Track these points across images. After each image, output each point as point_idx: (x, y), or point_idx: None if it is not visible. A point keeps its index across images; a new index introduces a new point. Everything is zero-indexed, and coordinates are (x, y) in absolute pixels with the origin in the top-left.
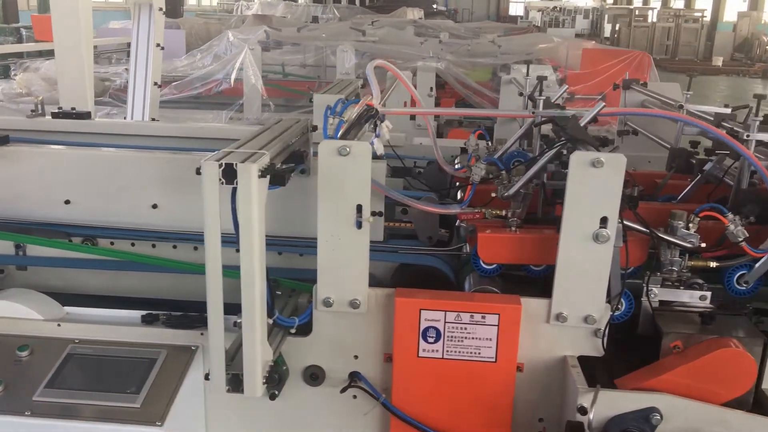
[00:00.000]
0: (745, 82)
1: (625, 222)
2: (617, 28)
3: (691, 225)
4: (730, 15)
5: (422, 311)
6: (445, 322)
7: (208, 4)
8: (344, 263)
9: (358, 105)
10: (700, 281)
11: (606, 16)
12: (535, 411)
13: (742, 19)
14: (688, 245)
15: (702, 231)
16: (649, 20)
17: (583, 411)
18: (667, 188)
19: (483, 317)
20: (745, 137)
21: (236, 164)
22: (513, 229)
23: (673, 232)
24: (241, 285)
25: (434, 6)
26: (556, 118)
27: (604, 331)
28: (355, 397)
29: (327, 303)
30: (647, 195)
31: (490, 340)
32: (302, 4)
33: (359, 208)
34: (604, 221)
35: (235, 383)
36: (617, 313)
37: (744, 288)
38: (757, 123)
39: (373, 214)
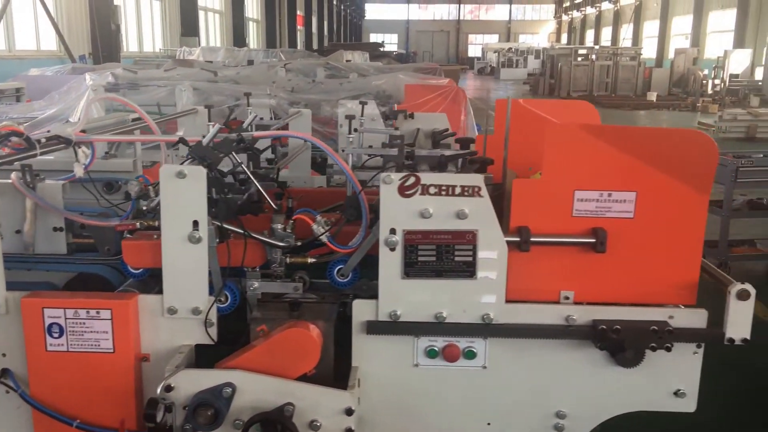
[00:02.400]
0: (676, 115)
1: (223, 225)
2: (559, 67)
3: (287, 227)
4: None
5: (45, 309)
6: (66, 319)
7: (150, 50)
8: None
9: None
10: (304, 275)
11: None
12: None
13: (679, 55)
14: (283, 244)
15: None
16: (590, 58)
17: (169, 389)
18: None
19: (98, 312)
20: (341, 151)
21: None
22: (156, 237)
23: (273, 233)
24: None
25: (381, 49)
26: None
27: (206, 320)
28: (8, 392)
29: None
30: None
31: (107, 333)
32: (244, 50)
33: None
34: (196, 224)
35: None
36: (223, 305)
37: (343, 280)
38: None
39: (55, 229)
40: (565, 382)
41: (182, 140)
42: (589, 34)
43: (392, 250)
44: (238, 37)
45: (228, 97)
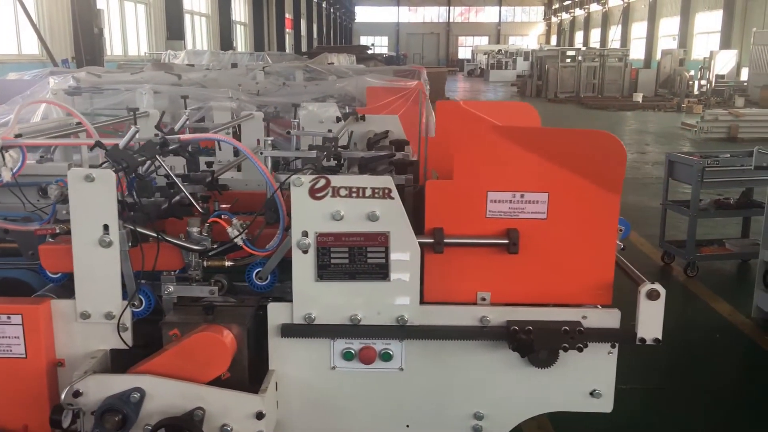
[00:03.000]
0: (661, 116)
1: (136, 229)
2: (546, 68)
3: (203, 230)
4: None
5: None
6: None
7: (136, 54)
8: None
9: None
10: (223, 279)
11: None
12: None
13: (666, 56)
14: (198, 247)
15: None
16: (577, 60)
17: (77, 394)
18: None
19: (8, 318)
20: (260, 153)
21: None
22: None
23: (189, 236)
24: None
25: (369, 51)
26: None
27: (119, 324)
28: None
29: None
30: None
31: (18, 338)
32: (229, 53)
33: None
34: (106, 228)
35: None
36: (138, 309)
37: (261, 283)
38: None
39: None
40: (482, 384)
41: (99, 143)
42: (579, 36)
43: (305, 252)
44: (225, 41)
45: (193, 100)
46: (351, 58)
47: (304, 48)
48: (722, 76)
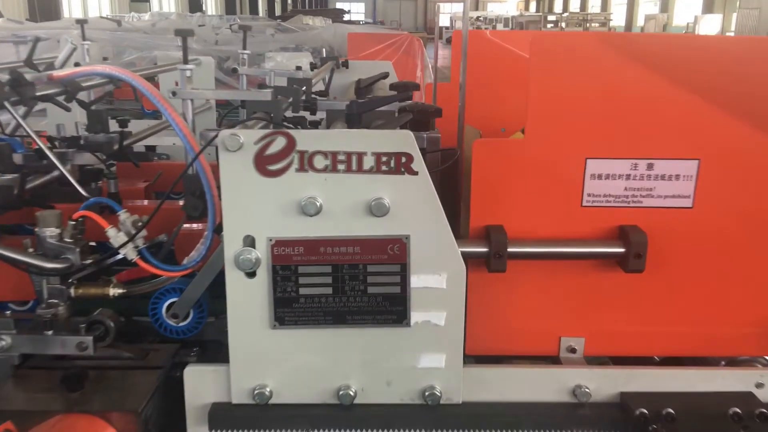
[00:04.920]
0: None
1: None
2: None
3: (65, 233)
4: (642, 20)
5: None
6: None
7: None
8: None
9: None
10: (106, 317)
11: (522, 24)
12: None
13: (649, 21)
14: (54, 265)
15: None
16: (560, 25)
17: None
18: None
19: None
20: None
21: None
22: None
23: (40, 244)
24: None
25: (345, 17)
26: None
27: None
28: None
29: None
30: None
31: None
32: (197, 15)
33: None
34: None
35: None
36: None
37: (177, 323)
38: None
39: None
40: None
41: None
42: (558, 3)
43: (250, 275)
44: (194, 3)
45: (135, 49)
46: (326, 21)
47: (278, 12)
48: None
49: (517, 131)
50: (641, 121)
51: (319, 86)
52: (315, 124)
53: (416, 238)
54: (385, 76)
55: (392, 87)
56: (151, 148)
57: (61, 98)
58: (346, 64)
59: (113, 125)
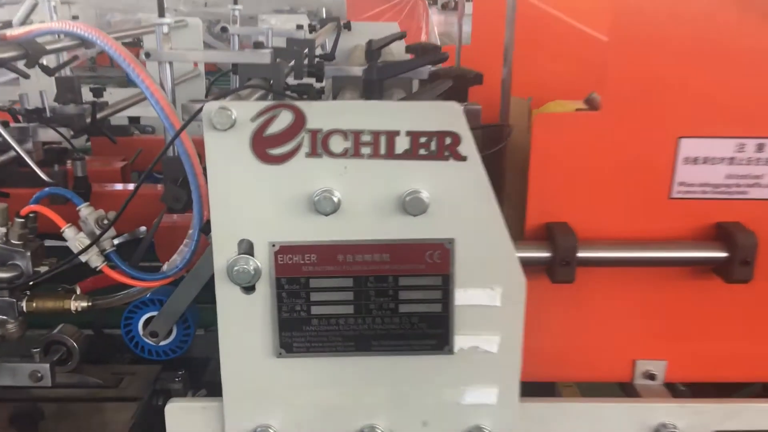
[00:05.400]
0: None
1: None
2: None
3: (10, 232)
4: None
5: None
6: None
7: None
8: None
9: None
10: (68, 338)
11: None
12: None
13: None
14: (7, 274)
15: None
16: None
17: None
18: None
19: None
20: None
21: None
22: None
23: None
24: None
25: None
26: None
27: None
28: None
29: None
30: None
31: None
32: None
33: None
34: None
35: None
36: None
37: (155, 343)
38: None
39: None
40: None
41: None
42: None
43: (247, 290)
44: None
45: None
46: None
47: None
48: None
49: (549, 102)
50: (753, 88)
51: (318, 52)
52: (317, 95)
53: (463, 243)
54: (402, 36)
55: (409, 50)
56: (135, 120)
57: (21, 63)
58: (348, 26)
59: (87, 95)
